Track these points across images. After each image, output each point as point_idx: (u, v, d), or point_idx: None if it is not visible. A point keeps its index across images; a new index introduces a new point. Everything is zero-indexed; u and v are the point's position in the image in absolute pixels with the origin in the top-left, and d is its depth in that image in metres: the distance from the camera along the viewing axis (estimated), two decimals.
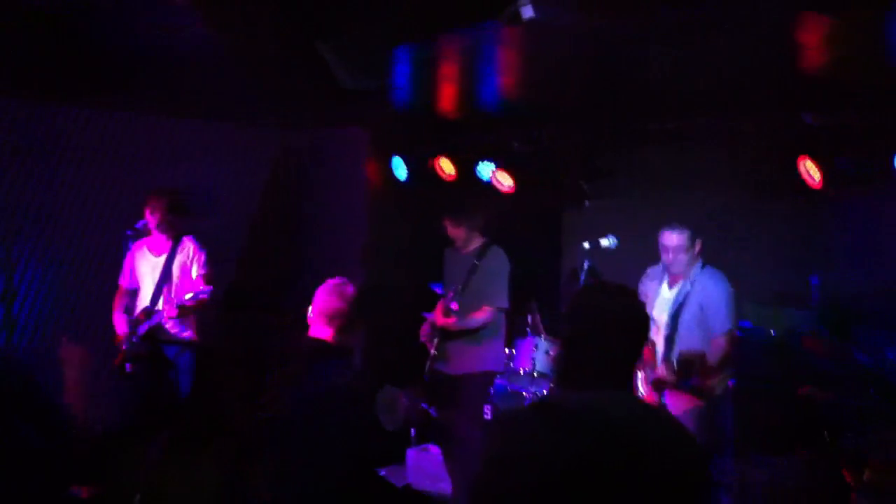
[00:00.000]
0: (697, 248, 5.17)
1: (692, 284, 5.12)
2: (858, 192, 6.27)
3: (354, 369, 3.69)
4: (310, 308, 3.72)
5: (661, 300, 5.24)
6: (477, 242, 6.01)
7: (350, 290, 3.73)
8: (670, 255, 5.15)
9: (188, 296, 5.99)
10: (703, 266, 5.19)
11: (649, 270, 5.46)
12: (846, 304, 6.09)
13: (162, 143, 7.36)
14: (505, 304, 5.89)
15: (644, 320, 2.54)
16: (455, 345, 5.95)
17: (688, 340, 5.03)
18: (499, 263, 5.94)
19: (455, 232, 5.99)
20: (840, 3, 2.70)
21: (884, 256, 6.31)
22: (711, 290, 5.07)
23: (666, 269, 5.28)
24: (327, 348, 3.62)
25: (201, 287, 6.03)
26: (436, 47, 4.28)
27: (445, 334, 5.97)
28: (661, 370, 5.05)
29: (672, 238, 5.15)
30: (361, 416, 3.51)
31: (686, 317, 5.06)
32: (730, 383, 5.34)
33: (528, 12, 2.85)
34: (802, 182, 6.01)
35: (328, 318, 3.66)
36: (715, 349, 4.99)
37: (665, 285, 5.27)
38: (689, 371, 4.91)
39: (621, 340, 2.46)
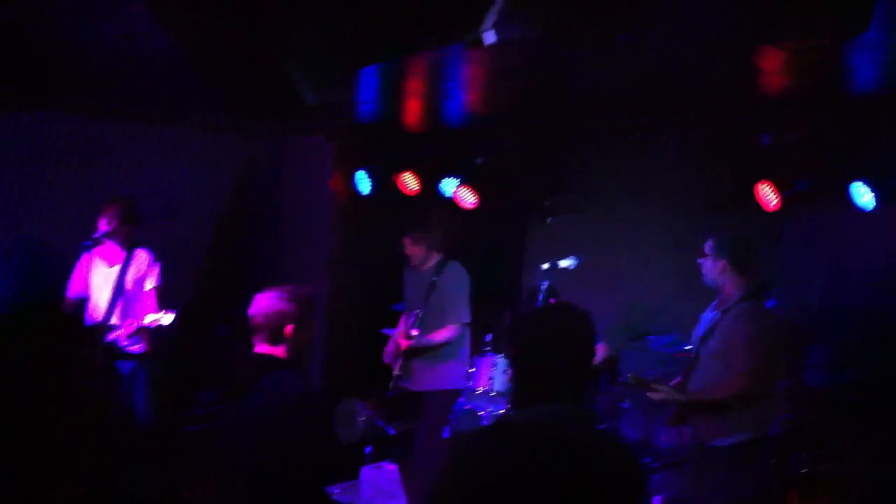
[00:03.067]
0: (720, 264, 4.69)
1: (724, 315, 4.67)
2: (813, 211, 6.37)
3: (306, 379, 3.58)
4: (254, 316, 3.59)
5: (704, 318, 4.87)
6: (434, 259, 5.98)
7: (295, 296, 3.61)
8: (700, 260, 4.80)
9: (148, 319, 5.90)
10: (744, 298, 4.66)
11: None
12: (801, 323, 6.15)
13: (123, 147, 7.23)
14: (466, 318, 5.88)
15: (585, 339, 2.54)
16: (419, 362, 5.93)
17: (702, 372, 4.71)
18: (457, 278, 5.92)
19: (414, 250, 5.97)
20: (798, 32, 2.75)
21: (837, 275, 6.39)
22: (734, 333, 4.58)
23: None
24: (275, 361, 3.54)
25: (162, 313, 5.93)
26: (401, 67, 4.27)
27: (409, 353, 5.93)
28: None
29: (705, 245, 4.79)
30: (315, 427, 3.42)
31: (708, 347, 4.68)
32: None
33: (490, 38, 2.86)
34: (759, 205, 6.09)
35: (271, 326, 3.56)
36: (720, 386, 4.61)
37: (713, 305, 4.89)
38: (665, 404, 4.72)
39: (561, 358, 2.51)
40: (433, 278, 5.92)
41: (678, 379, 5.01)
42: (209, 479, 3.55)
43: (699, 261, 4.82)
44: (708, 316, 4.85)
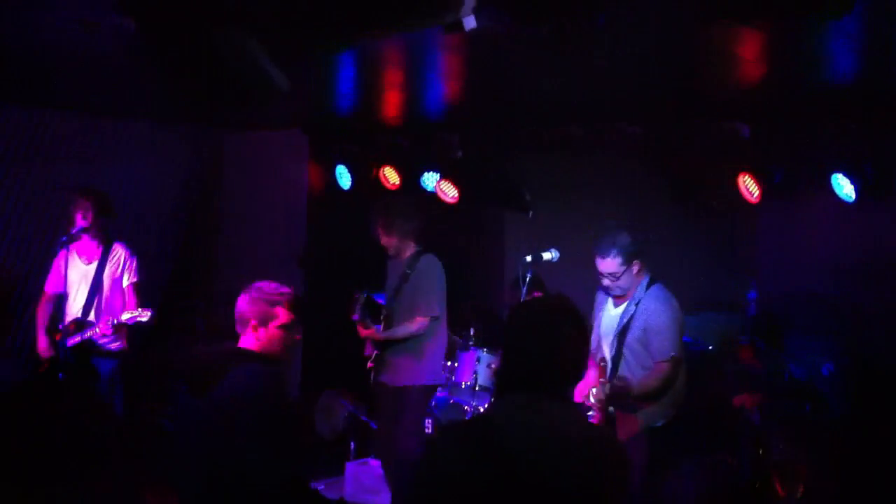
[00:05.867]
0: (636, 268, 4.88)
1: (636, 306, 4.88)
2: (793, 202, 6.40)
3: (277, 375, 3.54)
4: (239, 312, 3.59)
5: (607, 317, 5.05)
6: (410, 250, 5.91)
7: (277, 293, 3.59)
8: (606, 281, 4.92)
9: (125, 316, 5.84)
10: (650, 284, 4.91)
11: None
12: (780, 313, 6.17)
13: (93, 142, 7.16)
14: (435, 312, 5.78)
15: (575, 333, 2.54)
16: (394, 356, 5.87)
17: (632, 363, 4.90)
18: (429, 271, 5.82)
19: (387, 241, 5.89)
20: (774, 20, 2.74)
21: (816, 266, 6.41)
22: (655, 315, 4.83)
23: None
24: (246, 355, 3.51)
25: (140, 310, 5.87)
26: (377, 55, 4.24)
27: (380, 345, 5.89)
28: (597, 392, 4.82)
29: (605, 264, 4.86)
30: (280, 423, 3.38)
31: (630, 339, 4.87)
32: None
33: (470, 23, 2.83)
34: (740, 195, 6.11)
35: (249, 322, 3.54)
36: (654, 374, 4.81)
37: (611, 302, 5.07)
38: (618, 403, 4.74)
39: (552, 352, 2.48)
40: (407, 270, 5.86)
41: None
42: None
43: (609, 283, 4.93)
44: (615, 311, 5.01)
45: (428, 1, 2.66)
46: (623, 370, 4.90)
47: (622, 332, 4.90)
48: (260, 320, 3.53)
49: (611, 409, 4.80)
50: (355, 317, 5.87)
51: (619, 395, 4.76)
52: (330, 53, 3.30)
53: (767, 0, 2.53)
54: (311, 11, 2.58)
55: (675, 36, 4.31)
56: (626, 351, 4.90)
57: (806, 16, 2.57)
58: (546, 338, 2.49)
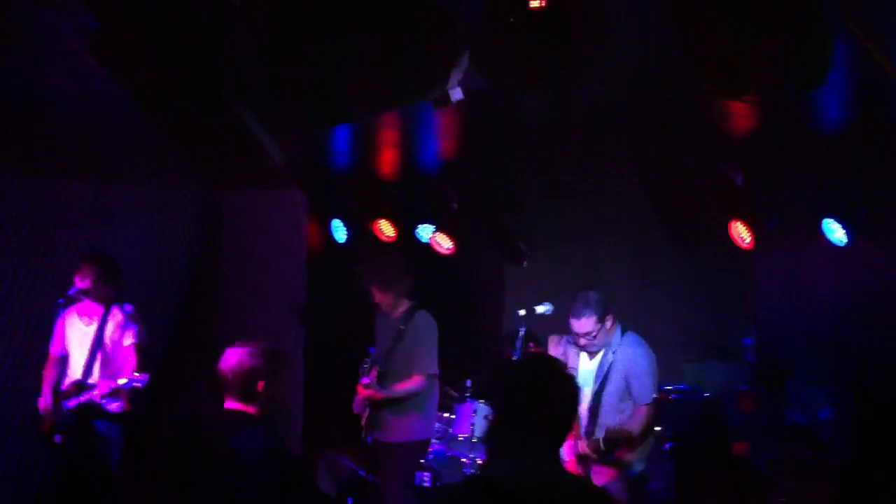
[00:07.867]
0: (609, 323, 4.99)
1: (614, 354, 5.01)
2: (787, 248, 6.44)
3: (273, 436, 3.53)
4: (225, 373, 3.55)
5: (582, 371, 5.09)
6: (403, 306, 5.90)
7: (264, 351, 3.59)
8: (583, 340, 5.01)
9: (122, 381, 5.80)
10: (624, 332, 5.06)
11: (565, 338, 5.28)
12: (778, 359, 6.18)
13: (88, 207, 7.19)
14: (434, 370, 5.78)
15: (571, 394, 2.56)
16: (385, 413, 5.84)
17: (610, 412, 4.98)
18: (425, 328, 5.79)
19: (382, 298, 5.89)
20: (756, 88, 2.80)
21: (814, 310, 6.44)
22: (635, 361, 4.97)
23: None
24: (242, 418, 3.50)
25: (136, 374, 5.85)
26: (370, 125, 4.30)
27: (375, 403, 5.86)
28: (583, 446, 4.94)
29: (581, 325, 4.94)
30: (285, 484, 3.38)
31: (610, 389, 4.99)
32: (667, 446, 5.32)
33: (457, 95, 2.89)
34: (732, 243, 6.15)
35: (242, 383, 3.54)
36: (638, 417, 4.94)
37: (585, 355, 5.14)
38: (613, 447, 4.84)
39: (548, 413, 2.48)
40: (401, 326, 5.82)
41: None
42: None
43: (588, 341, 5.01)
44: (591, 363, 5.10)
45: (415, 79, 2.72)
46: (602, 419, 4.98)
47: (602, 384, 5.00)
48: (268, 379, 3.52)
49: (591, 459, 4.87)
50: (365, 380, 5.81)
51: (614, 442, 4.85)
52: (320, 129, 3.36)
53: (749, 81, 2.58)
54: (300, 94, 2.64)
55: (665, 94, 4.39)
56: (604, 400, 5.00)
57: (784, 90, 2.63)
58: (540, 398, 2.50)
